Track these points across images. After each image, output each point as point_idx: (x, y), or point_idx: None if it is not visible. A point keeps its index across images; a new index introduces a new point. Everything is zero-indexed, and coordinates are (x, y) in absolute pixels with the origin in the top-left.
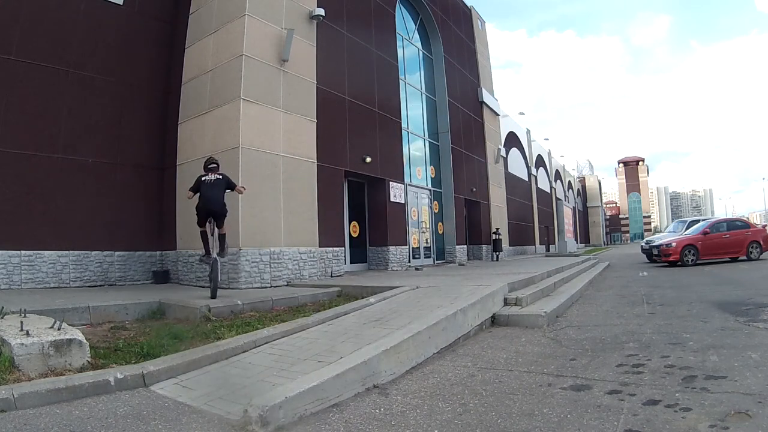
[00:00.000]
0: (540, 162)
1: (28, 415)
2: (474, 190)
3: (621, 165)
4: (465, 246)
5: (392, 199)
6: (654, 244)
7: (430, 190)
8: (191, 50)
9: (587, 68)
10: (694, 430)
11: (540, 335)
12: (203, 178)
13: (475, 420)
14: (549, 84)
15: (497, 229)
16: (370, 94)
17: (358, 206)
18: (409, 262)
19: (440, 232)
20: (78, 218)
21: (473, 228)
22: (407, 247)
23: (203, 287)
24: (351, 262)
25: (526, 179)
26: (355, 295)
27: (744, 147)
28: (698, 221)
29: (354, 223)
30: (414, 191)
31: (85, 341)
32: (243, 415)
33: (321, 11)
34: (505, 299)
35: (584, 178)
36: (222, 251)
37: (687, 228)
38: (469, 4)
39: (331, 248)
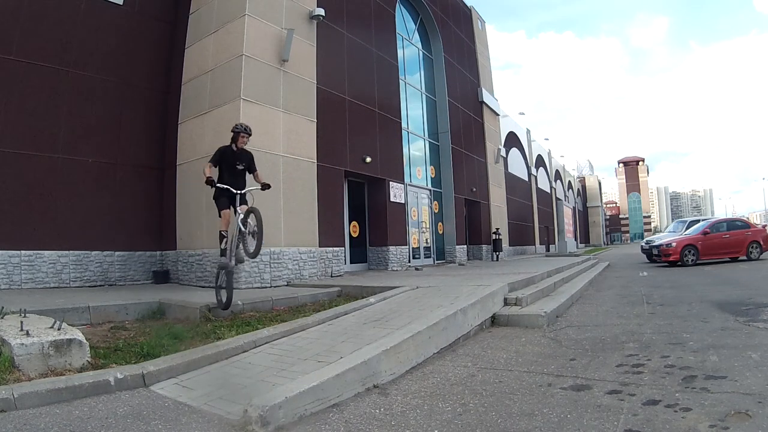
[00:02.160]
0: (540, 162)
1: (28, 415)
2: (474, 190)
3: (621, 165)
4: (465, 246)
5: (392, 199)
6: (654, 244)
7: (430, 190)
8: (191, 50)
9: (587, 69)
10: (694, 430)
11: (540, 335)
12: None
13: (475, 420)
14: (549, 85)
15: (497, 229)
16: (370, 94)
17: (358, 206)
18: (409, 262)
19: (440, 232)
20: (78, 218)
21: (473, 228)
22: (407, 247)
23: (204, 287)
24: (351, 262)
25: (526, 179)
26: (355, 295)
27: (744, 147)
28: (698, 221)
29: (354, 223)
30: (414, 191)
31: (85, 341)
32: (243, 415)
33: (321, 11)
34: (505, 299)
35: (584, 178)
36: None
37: (687, 228)
38: (469, 5)
39: (331, 248)
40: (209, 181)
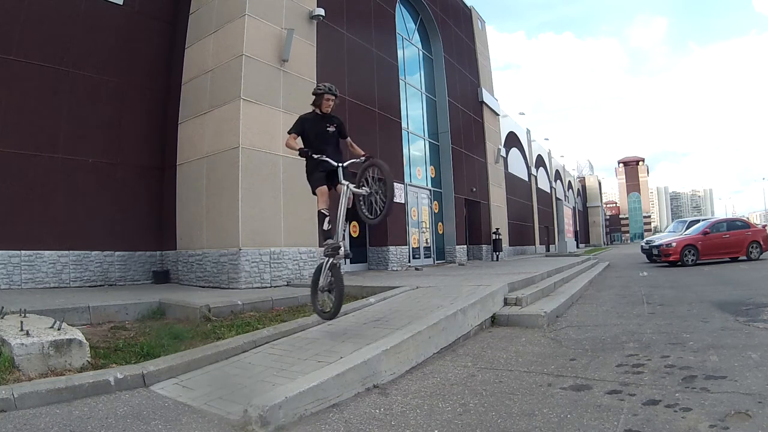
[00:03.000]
0: (540, 162)
1: (28, 415)
2: (474, 190)
3: (621, 165)
4: (465, 246)
5: None
6: (654, 244)
7: (430, 190)
8: (191, 50)
9: (586, 69)
10: (694, 430)
11: (540, 335)
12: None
13: (475, 420)
14: (548, 85)
15: (497, 229)
16: (370, 94)
17: None
18: (409, 262)
19: (440, 232)
20: (78, 218)
21: (473, 228)
22: (407, 247)
23: (204, 287)
24: (351, 262)
25: (526, 179)
26: (355, 295)
27: (744, 147)
28: (698, 221)
29: (354, 223)
30: (414, 191)
31: (85, 341)
32: (243, 415)
33: (321, 11)
34: (505, 299)
35: (584, 178)
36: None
37: (687, 228)
38: (469, 5)
39: None
40: (302, 153)
